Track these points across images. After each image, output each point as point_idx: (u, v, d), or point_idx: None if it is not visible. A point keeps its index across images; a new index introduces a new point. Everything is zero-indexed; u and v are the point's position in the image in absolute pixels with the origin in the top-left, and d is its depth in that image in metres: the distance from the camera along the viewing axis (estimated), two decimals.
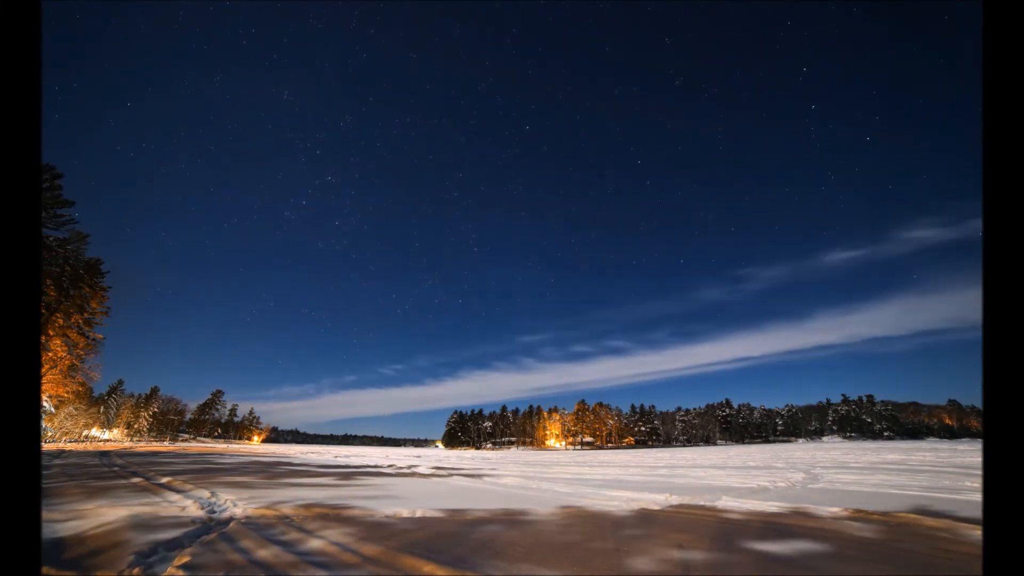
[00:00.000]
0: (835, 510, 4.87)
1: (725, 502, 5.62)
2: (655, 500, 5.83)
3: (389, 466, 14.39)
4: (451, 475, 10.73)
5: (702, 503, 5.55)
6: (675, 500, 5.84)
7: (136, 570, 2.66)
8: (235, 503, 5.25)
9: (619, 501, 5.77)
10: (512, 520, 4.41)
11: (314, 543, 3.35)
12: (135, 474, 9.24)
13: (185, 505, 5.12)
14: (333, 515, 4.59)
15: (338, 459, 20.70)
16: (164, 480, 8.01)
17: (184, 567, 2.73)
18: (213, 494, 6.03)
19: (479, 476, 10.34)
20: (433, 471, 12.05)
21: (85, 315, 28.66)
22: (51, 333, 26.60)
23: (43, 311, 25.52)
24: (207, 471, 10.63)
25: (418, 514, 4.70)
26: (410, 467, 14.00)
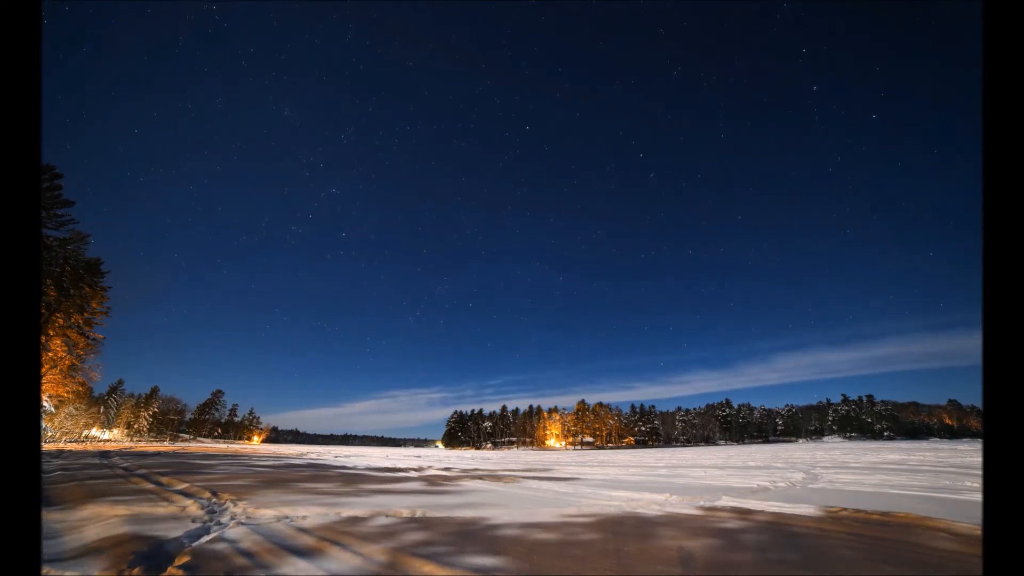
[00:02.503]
0: (835, 510, 4.87)
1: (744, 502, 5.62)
2: (655, 500, 5.83)
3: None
4: (488, 478, 10.68)
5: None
6: (676, 499, 5.84)
7: (136, 570, 2.66)
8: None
9: (620, 501, 5.76)
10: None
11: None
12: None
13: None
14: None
15: (338, 459, 20.74)
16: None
17: (183, 567, 2.73)
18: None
19: (504, 479, 10.31)
20: (462, 473, 11.88)
21: (85, 315, 28.66)
22: (51, 333, 26.61)
23: (43, 311, 25.52)
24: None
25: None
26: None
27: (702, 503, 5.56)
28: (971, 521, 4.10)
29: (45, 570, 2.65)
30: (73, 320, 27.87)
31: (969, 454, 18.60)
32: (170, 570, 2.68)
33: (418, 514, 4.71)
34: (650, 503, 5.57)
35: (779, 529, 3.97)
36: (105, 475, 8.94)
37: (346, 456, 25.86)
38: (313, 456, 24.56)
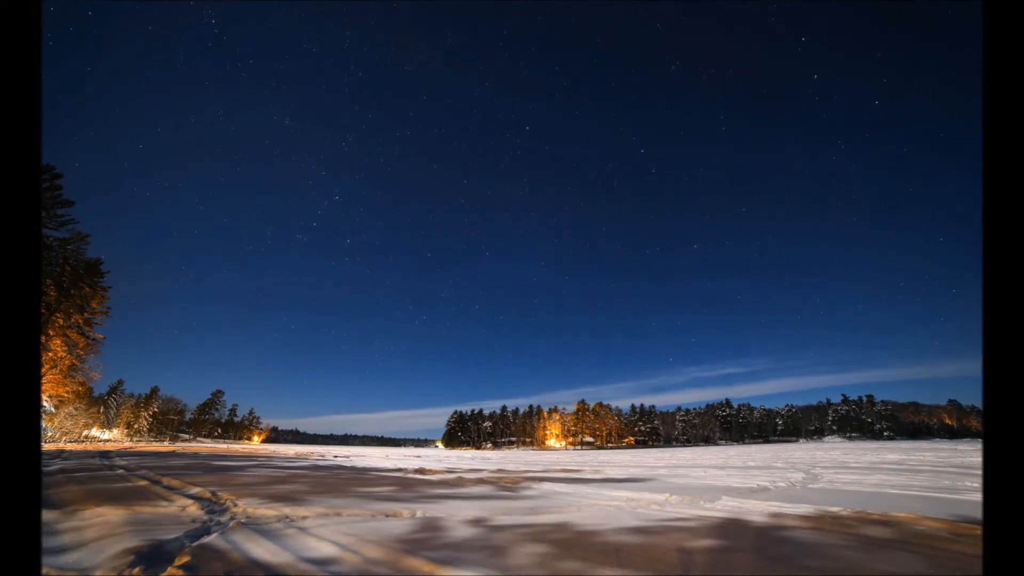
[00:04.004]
0: (835, 510, 4.87)
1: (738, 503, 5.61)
2: (655, 500, 5.83)
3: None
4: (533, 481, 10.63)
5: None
6: (676, 499, 5.84)
7: (136, 570, 2.66)
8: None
9: (620, 501, 5.76)
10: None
11: None
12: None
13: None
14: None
15: (338, 459, 20.76)
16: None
17: (183, 567, 2.72)
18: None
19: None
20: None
21: (85, 315, 28.66)
22: (51, 333, 26.60)
23: (43, 311, 25.52)
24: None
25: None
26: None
27: (703, 502, 5.56)
28: (971, 521, 4.10)
29: (45, 570, 2.65)
30: (73, 320, 27.87)
31: (969, 454, 18.60)
32: (170, 570, 2.68)
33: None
34: (650, 503, 5.57)
35: (777, 529, 3.97)
36: (114, 477, 8.93)
37: (352, 456, 25.88)
38: (319, 457, 24.54)
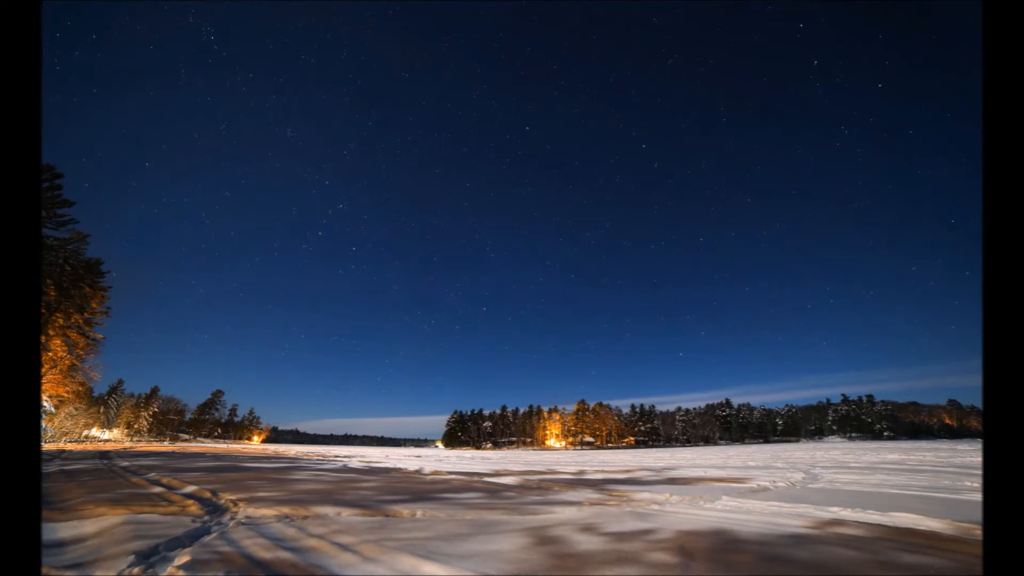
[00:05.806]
0: (834, 509, 4.87)
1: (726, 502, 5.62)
2: (655, 499, 5.84)
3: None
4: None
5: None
6: (676, 499, 5.84)
7: (136, 570, 2.66)
8: None
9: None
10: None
11: None
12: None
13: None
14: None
15: (357, 461, 20.75)
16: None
17: (183, 567, 2.73)
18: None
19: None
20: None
21: (85, 315, 28.66)
22: (51, 333, 26.61)
23: (43, 311, 25.52)
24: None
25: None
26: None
27: (703, 502, 5.56)
28: (971, 521, 4.10)
29: (45, 570, 2.65)
30: (73, 320, 27.87)
31: (969, 454, 18.60)
32: (170, 570, 2.68)
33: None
34: (650, 503, 5.57)
35: (774, 530, 3.97)
36: (119, 481, 8.93)
37: (355, 457, 25.87)
38: (321, 457, 24.48)
